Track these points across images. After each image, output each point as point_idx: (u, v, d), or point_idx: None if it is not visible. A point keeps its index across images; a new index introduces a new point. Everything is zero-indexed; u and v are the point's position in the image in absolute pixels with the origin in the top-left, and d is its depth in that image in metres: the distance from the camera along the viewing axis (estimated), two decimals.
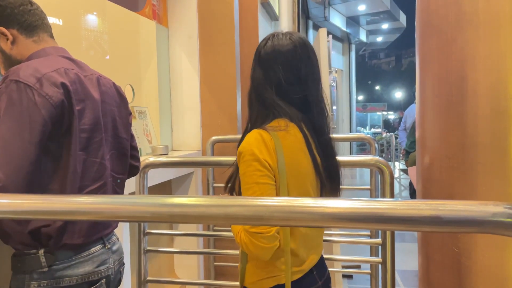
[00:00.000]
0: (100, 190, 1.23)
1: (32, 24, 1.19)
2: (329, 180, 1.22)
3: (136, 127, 2.50)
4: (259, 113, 1.17)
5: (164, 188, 2.81)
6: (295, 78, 1.15)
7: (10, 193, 0.97)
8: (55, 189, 1.12)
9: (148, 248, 1.91)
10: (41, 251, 1.12)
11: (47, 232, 1.12)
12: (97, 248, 1.22)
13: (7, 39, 1.17)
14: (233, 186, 1.19)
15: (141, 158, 1.93)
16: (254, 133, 1.10)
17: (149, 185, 1.94)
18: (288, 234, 1.12)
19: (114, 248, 1.31)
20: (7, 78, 1.05)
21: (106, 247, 1.26)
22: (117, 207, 0.68)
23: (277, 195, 1.08)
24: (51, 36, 1.26)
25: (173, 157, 2.33)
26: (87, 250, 1.19)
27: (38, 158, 1.06)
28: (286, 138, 1.11)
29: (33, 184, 1.06)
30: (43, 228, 1.11)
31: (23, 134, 1.02)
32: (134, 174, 1.49)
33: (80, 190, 1.17)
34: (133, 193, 1.88)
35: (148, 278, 1.90)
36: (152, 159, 1.83)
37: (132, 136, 1.44)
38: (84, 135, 1.16)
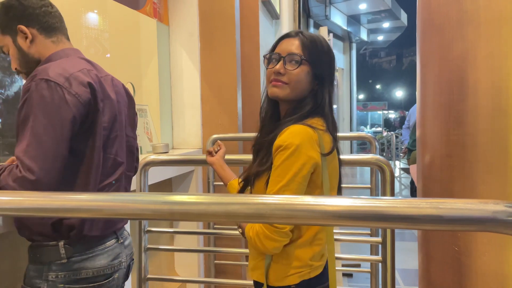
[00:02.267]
0: (115, 185, 1.29)
1: (52, 25, 1.25)
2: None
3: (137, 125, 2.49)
4: (296, 109, 1.15)
5: (165, 186, 2.81)
6: (332, 77, 1.20)
7: (46, 187, 1.04)
8: (80, 184, 1.18)
9: (149, 246, 1.91)
10: (61, 243, 1.17)
11: (69, 223, 1.16)
12: (111, 242, 1.28)
13: (26, 38, 1.21)
14: (249, 177, 1.19)
15: (142, 156, 1.94)
16: (299, 128, 1.07)
17: (149, 183, 1.94)
18: (332, 235, 1.16)
19: (126, 243, 1.36)
20: (35, 77, 1.09)
21: (119, 242, 1.31)
22: (118, 205, 0.68)
23: (319, 192, 1.10)
24: (68, 39, 1.31)
25: (173, 155, 2.33)
26: (103, 244, 1.25)
27: (67, 154, 1.11)
28: (324, 136, 1.12)
29: (61, 179, 1.11)
30: (66, 220, 1.16)
31: (56, 131, 1.07)
32: (134, 174, 1.53)
33: (98, 184, 1.22)
34: (134, 191, 1.88)
35: (149, 276, 1.91)
36: (153, 157, 1.83)
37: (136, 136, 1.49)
38: (104, 133, 1.22)
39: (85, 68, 1.20)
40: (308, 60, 1.13)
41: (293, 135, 1.05)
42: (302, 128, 1.07)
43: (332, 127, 1.17)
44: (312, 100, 1.15)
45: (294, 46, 1.15)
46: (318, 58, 1.14)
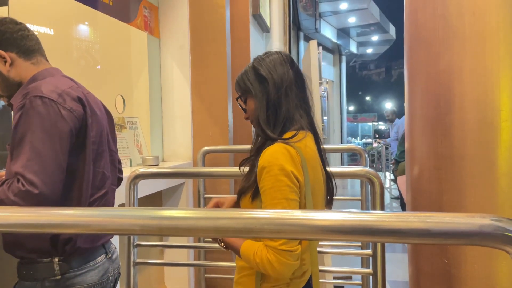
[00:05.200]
0: (104, 198, 1.31)
1: (30, 48, 1.27)
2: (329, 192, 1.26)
3: (127, 138, 2.48)
4: (275, 125, 1.15)
5: (155, 199, 2.79)
6: (267, 83, 1.17)
7: (49, 200, 1.06)
8: (74, 198, 1.20)
9: (138, 260, 1.88)
10: (56, 259, 1.19)
11: (66, 237, 1.18)
12: (101, 257, 1.30)
13: (5, 62, 1.23)
14: (239, 199, 1.18)
15: (132, 169, 1.92)
16: (279, 147, 1.08)
17: (139, 196, 1.92)
18: (316, 257, 1.15)
19: (114, 257, 1.38)
20: (28, 94, 1.12)
21: (108, 257, 1.33)
22: (105, 220, 0.68)
23: (303, 209, 1.08)
24: (47, 59, 1.34)
25: (163, 168, 2.32)
26: (93, 260, 1.27)
27: (65, 167, 1.14)
28: (306, 151, 1.12)
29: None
30: (62, 234, 1.18)
31: (55, 145, 1.10)
32: (118, 186, 1.56)
33: (90, 197, 1.25)
34: (123, 204, 1.86)
35: None
36: (143, 169, 1.81)
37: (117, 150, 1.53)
38: (93, 147, 1.25)
39: (73, 85, 1.24)
40: (243, 93, 1.21)
41: (276, 155, 1.06)
42: (282, 147, 1.08)
43: (310, 130, 1.18)
44: (269, 113, 1.16)
45: None
46: (246, 85, 1.19)
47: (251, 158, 1.19)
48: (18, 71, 1.24)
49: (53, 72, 1.29)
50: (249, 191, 1.14)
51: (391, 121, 7.25)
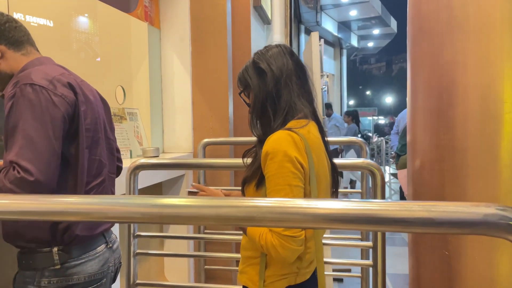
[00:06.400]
0: (101, 185, 1.31)
1: (19, 39, 1.26)
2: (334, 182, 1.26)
3: (127, 129, 2.48)
4: (275, 115, 1.16)
5: (155, 190, 2.79)
6: (266, 78, 1.18)
7: (45, 187, 1.06)
8: (69, 186, 1.20)
9: (138, 251, 1.89)
10: (55, 249, 1.19)
11: (64, 226, 1.19)
12: (102, 247, 1.31)
13: None
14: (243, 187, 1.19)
15: (132, 160, 1.92)
16: (283, 134, 1.08)
17: (139, 187, 1.92)
18: (321, 243, 1.16)
19: (114, 247, 1.38)
20: (18, 83, 1.12)
21: (108, 246, 1.34)
22: (106, 208, 0.67)
23: (308, 196, 1.09)
24: (37, 50, 1.33)
25: (164, 159, 2.31)
26: (93, 250, 1.27)
27: (60, 153, 1.14)
28: (310, 138, 1.12)
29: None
30: (60, 222, 1.19)
31: (47, 131, 1.10)
32: (118, 175, 1.55)
33: (86, 185, 1.25)
34: (124, 195, 1.86)
35: (138, 281, 1.88)
36: (143, 160, 1.81)
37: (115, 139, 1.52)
38: (88, 134, 1.25)
39: (65, 72, 1.24)
40: (245, 88, 1.23)
41: (280, 141, 1.06)
42: (286, 134, 1.08)
43: (312, 118, 1.20)
44: (269, 106, 1.17)
45: None
46: (246, 79, 1.21)
47: (254, 149, 1.19)
48: (9, 63, 1.24)
49: (44, 60, 1.28)
50: (253, 179, 1.14)
51: (328, 115, 7.96)
